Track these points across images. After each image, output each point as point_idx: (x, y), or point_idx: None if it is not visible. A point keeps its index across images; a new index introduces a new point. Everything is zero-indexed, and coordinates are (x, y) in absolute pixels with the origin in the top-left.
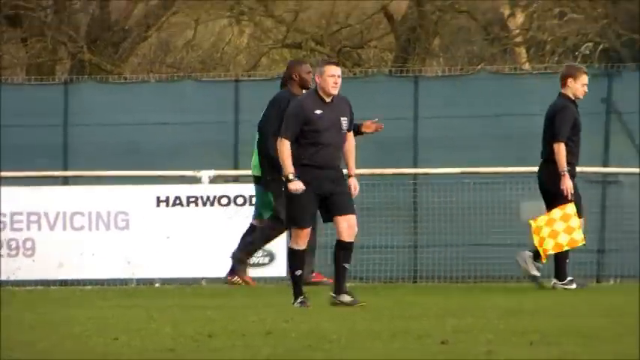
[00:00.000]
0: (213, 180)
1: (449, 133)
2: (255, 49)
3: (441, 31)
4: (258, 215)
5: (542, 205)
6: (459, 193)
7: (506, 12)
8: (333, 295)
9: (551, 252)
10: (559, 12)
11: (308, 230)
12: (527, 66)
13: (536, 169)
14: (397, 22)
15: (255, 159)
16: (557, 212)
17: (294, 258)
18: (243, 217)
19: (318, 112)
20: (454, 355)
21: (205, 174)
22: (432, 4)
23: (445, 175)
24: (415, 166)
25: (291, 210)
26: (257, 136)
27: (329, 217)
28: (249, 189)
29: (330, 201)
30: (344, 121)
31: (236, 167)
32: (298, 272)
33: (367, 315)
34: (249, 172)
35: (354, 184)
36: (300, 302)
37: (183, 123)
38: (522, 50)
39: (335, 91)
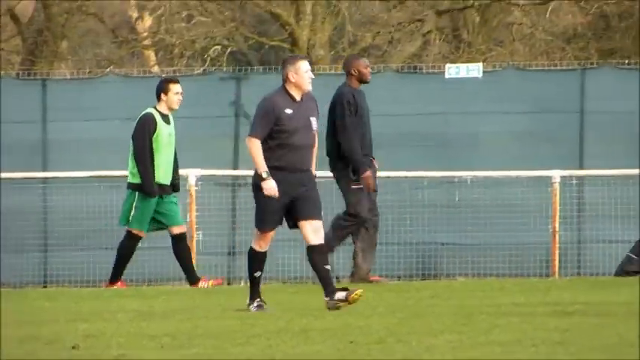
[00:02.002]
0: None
1: (78, 136)
2: None
3: (68, 33)
4: (172, 224)
5: None
6: (89, 196)
7: (134, 15)
8: (327, 298)
9: None
10: (187, 15)
11: (272, 233)
12: (156, 69)
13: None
14: (23, 25)
15: (130, 165)
16: None
17: (255, 259)
18: None
19: (288, 111)
20: None
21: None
22: (60, 6)
23: (75, 178)
24: (45, 169)
25: (259, 212)
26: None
27: (294, 222)
28: None
29: (296, 204)
30: (313, 121)
31: None
32: (257, 274)
33: None
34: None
35: None
36: (257, 306)
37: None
38: (151, 53)
39: (311, 88)
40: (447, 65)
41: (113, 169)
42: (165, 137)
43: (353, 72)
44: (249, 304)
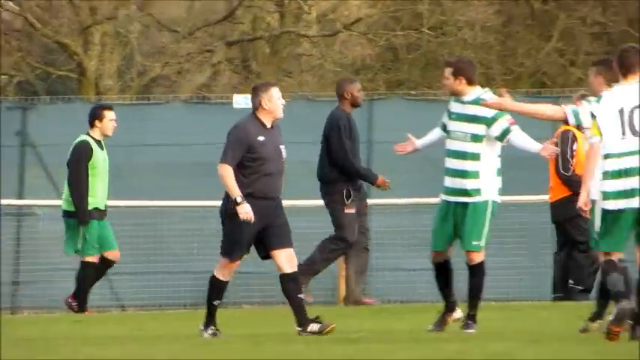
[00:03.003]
0: None
1: None
2: None
3: None
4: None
5: None
6: None
7: None
8: (300, 329)
9: None
10: None
11: (237, 263)
12: None
13: None
14: None
15: (65, 192)
16: None
17: (216, 288)
18: None
19: (261, 138)
20: None
21: None
22: None
23: None
24: None
25: (229, 240)
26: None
27: (265, 251)
28: None
29: (268, 233)
30: (283, 149)
31: None
32: (216, 302)
33: None
34: None
35: None
36: (212, 333)
37: None
38: None
39: (282, 115)
40: (235, 95)
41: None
42: (100, 163)
43: (346, 96)
44: (204, 330)
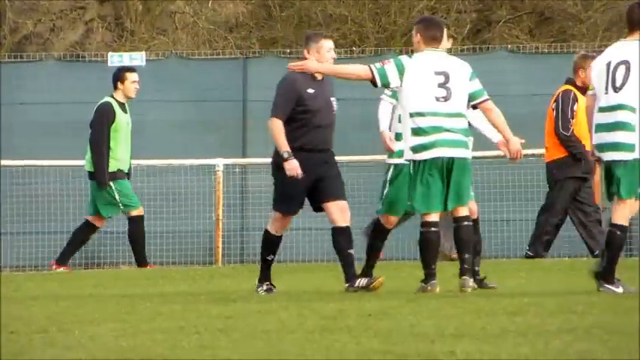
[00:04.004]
0: None
1: None
2: None
3: None
4: (93, 212)
5: None
6: None
7: None
8: (348, 284)
9: None
10: None
11: (290, 218)
12: None
13: None
14: None
15: (88, 154)
16: None
17: (270, 243)
18: None
19: (310, 90)
20: None
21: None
22: None
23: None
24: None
25: (281, 194)
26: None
27: (318, 204)
28: None
29: (320, 185)
30: (334, 101)
31: None
32: (270, 257)
33: None
34: None
35: None
36: (267, 289)
37: None
38: None
39: None
40: (110, 53)
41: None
42: (123, 125)
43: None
44: (258, 287)
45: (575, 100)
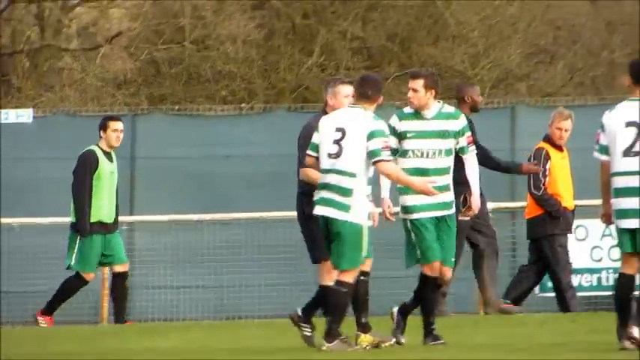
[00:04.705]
0: None
1: None
2: None
3: None
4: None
5: None
6: None
7: None
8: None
9: None
10: None
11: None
12: None
13: None
14: None
15: (72, 203)
16: None
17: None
18: None
19: None
20: None
21: None
22: None
23: None
24: None
25: (312, 242)
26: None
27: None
28: None
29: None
30: None
31: None
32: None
33: None
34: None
35: None
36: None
37: None
38: None
39: None
40: (2, 110)
41: None
42: (107, 174)
43: (466, 99)
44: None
45: (548, 157)
